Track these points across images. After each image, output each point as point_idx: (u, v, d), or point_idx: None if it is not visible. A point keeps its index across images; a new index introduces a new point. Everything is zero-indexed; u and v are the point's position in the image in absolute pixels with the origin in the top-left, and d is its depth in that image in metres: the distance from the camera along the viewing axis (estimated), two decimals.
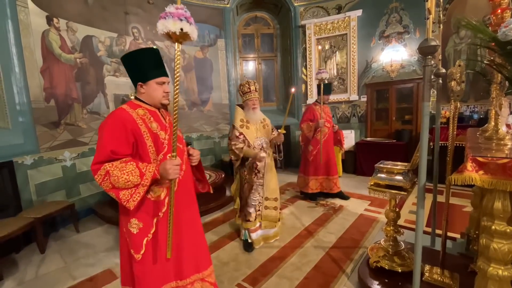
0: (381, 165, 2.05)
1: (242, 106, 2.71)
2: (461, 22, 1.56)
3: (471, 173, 1.25)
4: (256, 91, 2.64)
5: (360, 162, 5.32)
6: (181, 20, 1.13)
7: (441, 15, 2.33)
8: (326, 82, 3.74)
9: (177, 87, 1.24)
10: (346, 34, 5.55)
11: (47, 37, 3.47)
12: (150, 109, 1.47)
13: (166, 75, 1.47)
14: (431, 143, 2.45)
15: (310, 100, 5.94)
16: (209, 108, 5.90)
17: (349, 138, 5.54)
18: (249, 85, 2.61)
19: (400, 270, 1.96)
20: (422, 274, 1.91)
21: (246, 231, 2.70)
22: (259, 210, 2.70)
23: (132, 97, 1.54)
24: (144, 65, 1.41)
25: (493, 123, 1.68)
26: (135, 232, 1.38)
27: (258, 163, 2.59)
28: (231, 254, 2.62)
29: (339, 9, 5.61)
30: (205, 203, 3.65)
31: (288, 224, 3.21)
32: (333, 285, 2.10)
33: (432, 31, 1.39)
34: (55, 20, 3.57)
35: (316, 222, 3.26)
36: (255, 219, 2.67)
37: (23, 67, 3.15)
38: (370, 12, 5.31)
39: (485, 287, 1.36)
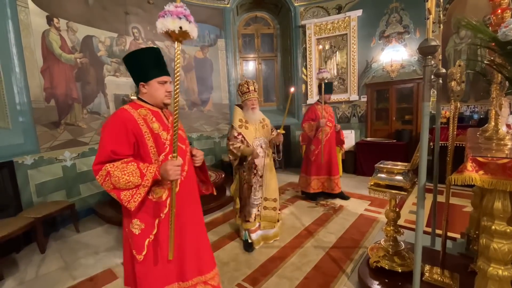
0: (381, 165, 2.05)
1: (241, 106, 2.71)
2: (461, 22, 1.56)
3: (471, 173, 1.25)
4: (255, 91, 2.63)
5: (360, 162, 5.32)
6: (180, 18, 1.12)
7: (441, 15, 2.32)
8: (327, 81, 3.74)
9: (177, 86, 1.24)
10: (346, 34, 5.55)
11: (47, 37, 3.48)
12: (153, 109, 1.46)
13: (168, 74, 1.46)
14: (431, 143, 2.45)
15: (310, 100, 5.94)
16: (209, 108, 5.90)
17: (349, 138, 5.54)
18: (248, 85, 2.60)
19: (400, 270, 1.96)
20: (422, 274, 1.91)
21: (246, 232, 2.71)
22: (258, 210, 2.69)
23: (133, 97, 1.53)
24: (145, 64, 1.41)
25: (493, 123, 1.68)
26: (137, 233, 1.37)
27: (257, 163, 2.59)
28: (231, 254, 2.62)
29: (339, 9, 5.61)
30: (205, 203, 3.59)
31: (288, 224, 3.21)
32: (333, 285, 2.10)
33: (432, 31, 1.39)
34: (55, 20, 3.57)
35: (316, 222, 3.26)
36: (254, 220, 2.67)
37: (24, 67, 3.16)
38: (370, 12, 5.31)
39: (485, 287, 1.35)
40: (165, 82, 1.45)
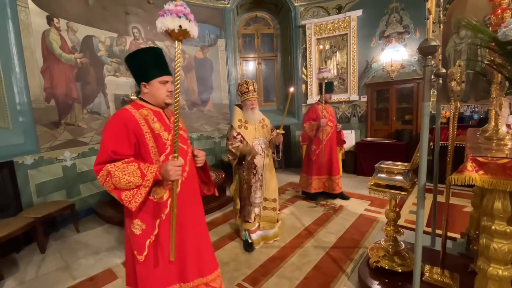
0: (381, 165, 2.05)
1: (241, 106, 2.71)
2: (461, 22, 1.56)
3: (471, 173, 1.25)
4: (254, 91, 2.63)
5: (360, 162, 5.32)
6: (179, 17, 1.10)
7: (441, 15, 2.32)
8: (327, 81, 3.75)
9: (177, 86, 1.23)
10: (346, 34, 5.55)
11: (47, 37, 3.48)
12: (154, 110, 1.46)
13: (169, 74, 1.45)
14: (431, 143, 2.45)
15: (310, 100, 5.95)
16: (209, 108, 5.90)
17: (349, 138, 5.54)
18: (247, 85, 2.60)
19: (400, 270, 1.96)
20: (422, 274, 1.91)
21: (246, 232, 2.70)
22: (258, 210, 2.69)
23: (133, 97, 1.53)
24: (146, 64, 1.40)
25: (493, 123, 1.68)
26: (138, 233, 1.37)
27: (256, 163, 2.59)
28: (231, 254, 2.62)
29: (339, 9, 5.61)
30: (205, 203, 3.60)
31: (288, 224, 3.22)
32: (333, 285, 2.10)
33: (432, 31, 1.39)
34: (55, 20, 3.58)
35: (316, 222, 3.26)
36: (254, 220, 2.67)
37: (24, 67, 3.16)
38: (370, 12, 5.31)
39: (485, 287, 1.36)
40: (167, 82, 1.44)
